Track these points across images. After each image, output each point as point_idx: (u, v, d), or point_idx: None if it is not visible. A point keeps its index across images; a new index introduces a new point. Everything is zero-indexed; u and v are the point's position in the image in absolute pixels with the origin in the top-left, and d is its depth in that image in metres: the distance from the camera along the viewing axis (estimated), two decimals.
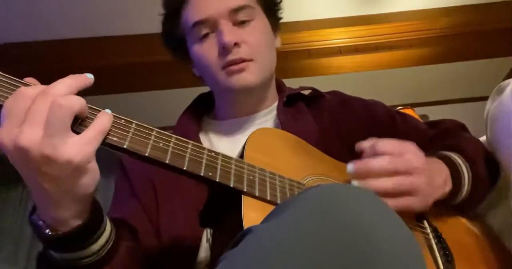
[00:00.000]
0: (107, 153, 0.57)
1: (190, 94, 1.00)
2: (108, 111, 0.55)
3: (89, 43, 2.33)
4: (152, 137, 0.57)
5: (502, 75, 2.70)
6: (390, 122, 0.91)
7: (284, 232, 0.40)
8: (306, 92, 0.96)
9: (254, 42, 0.84)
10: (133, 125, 0.57)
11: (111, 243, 0.60)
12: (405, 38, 2.42)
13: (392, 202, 0.59)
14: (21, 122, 0.48)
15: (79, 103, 0.50)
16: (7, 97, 0.50)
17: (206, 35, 0.85)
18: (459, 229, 0.77)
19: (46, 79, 0.54)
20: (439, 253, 0.69)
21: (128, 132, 0.56)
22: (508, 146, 0.79)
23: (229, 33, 0.81)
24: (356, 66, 2.56)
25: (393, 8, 2.37)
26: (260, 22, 0.87)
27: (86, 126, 0.52)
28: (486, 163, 0.81)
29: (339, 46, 2.48)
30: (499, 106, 0.84)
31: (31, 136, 0.47)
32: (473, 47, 2.49)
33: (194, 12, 0.85)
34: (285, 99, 0.90)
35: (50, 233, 0.53)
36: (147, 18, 2.23)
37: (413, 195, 0.62)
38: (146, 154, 0.55)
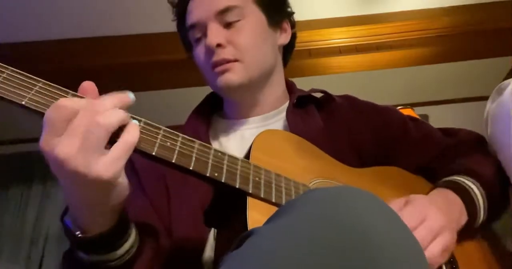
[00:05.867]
0: None
1: (191, 94, 1.00)
2: (136, 122, 0.55)
3: (89, 43, 2.32)
4: (160, 136, 0.57)
5: (502, 75, 2.69)
6: (401, 129, 0.90)
7: (286, 234, 0.41)
8: (318, 95, 0.96)
9: (240, 42, 0.84)
10: (141, 123, 0.57)
11: (135, 248, 0.63)
12: (405, 38, 2.41)
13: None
14: (60, 134, 0.50)
15: (117, 121, 0.51)
16: (48, 106, 0.51)
17: (200, 39, 0.88)
18: (463, 236, 0.75)
19: (47, 79, 0.55)
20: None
21: None
22: (508, 146, 0.79)
23: (213, 35, 0.83)
24: (356, 66, 2.55)
25: (393, 7, 2.36)
26: (250, 20, 0.87)
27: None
28: (501, 185, 0.80)
29: (339, 46, 2.46)
30: (499, 106, 0.84)
31: (67, 150, 0.49)
32: (473, 47, 2.48)
33: (189, 17, 0.88)
34: (295, 100, 0.90)
35: (79, 235, 0.56)
36: (147, 18, 2.23)
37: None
38: (153, 153, 0.56)
